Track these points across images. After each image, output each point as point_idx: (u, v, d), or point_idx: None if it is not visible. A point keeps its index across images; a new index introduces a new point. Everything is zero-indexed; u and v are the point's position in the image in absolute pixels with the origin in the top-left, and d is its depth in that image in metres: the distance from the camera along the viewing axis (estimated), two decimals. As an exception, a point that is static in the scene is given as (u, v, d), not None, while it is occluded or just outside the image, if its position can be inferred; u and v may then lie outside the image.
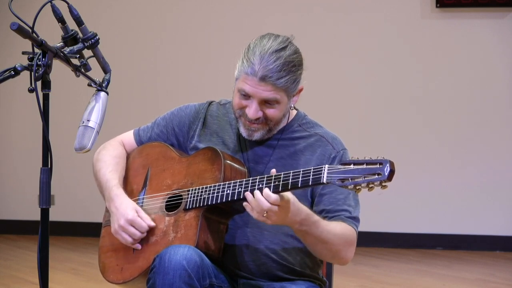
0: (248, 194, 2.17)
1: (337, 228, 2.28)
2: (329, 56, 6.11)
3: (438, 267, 5.39)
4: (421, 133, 6.05)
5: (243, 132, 2.39)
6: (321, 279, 2.48)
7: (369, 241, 6.04)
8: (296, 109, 2.51)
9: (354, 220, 2.36)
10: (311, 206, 2.36)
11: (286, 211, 2.15)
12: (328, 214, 2.34)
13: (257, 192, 2.15)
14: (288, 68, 2.29)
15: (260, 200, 2.13)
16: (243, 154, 2.44)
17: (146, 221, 2.37)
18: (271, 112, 2.34)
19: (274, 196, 2.12)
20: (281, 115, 2.38)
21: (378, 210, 6.01)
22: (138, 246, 2.39)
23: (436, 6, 5.92)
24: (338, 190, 2.35)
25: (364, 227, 6.60)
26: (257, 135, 2.38)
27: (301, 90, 2.40)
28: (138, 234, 2.36)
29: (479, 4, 5.85)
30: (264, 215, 2.14)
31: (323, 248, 2.28)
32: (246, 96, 2.33)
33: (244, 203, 2.18)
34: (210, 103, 2.56)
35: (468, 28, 5.94)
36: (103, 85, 2.20)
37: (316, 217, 2.24)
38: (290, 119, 2.48)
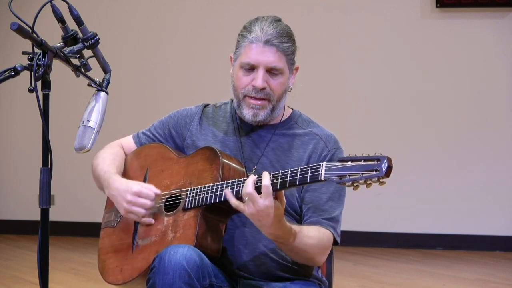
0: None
1: (314, 237, 2.29)
2: (329, 56, 6.11)
3: (438, 267, 5.39)
4: (421, 133, 6.05)
5: (248, 114, 2.40)
6: (320, 279, 2.48)
7: (369, 241, 6.04)
8: (292, 108, 2.54)
9: (331, 221, 2.36)
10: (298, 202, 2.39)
11: (266, 212, 2.14)
12: (307, 212, 2.36)
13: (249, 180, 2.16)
14: (287, 36, 2.39)
15: (248, 184, 2.14)
16: (239, 151, 2.45)
17: (152, 189, 2.37)
18: (275, 84, 2.38)
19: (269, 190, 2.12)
20: (283, 89, 2.41)
21: (378, 210, 6.01)
22: (151, 220, 2.38)
23: (436, 6, 5.92)
24: (323, 189, 2.37)
25: (364, 227, 6.66)
26: (262, 115, 2.39)
27: (297, 69, 2.46)
28: (148, 203, 2.35)
29: (479, 4, 5.85)
30: (245, 199, 2.14)
31: (297, 255, 2.31)
32: (251, 69, 2.37)
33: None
34: (205, 106, 2.59)
35: (468, 28, 5.95)
36: (103, 85, 2.20)
37: (295, 230, 2.24)
38: (286, 117, 2.49)
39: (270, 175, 2.15)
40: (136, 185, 2.38)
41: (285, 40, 2.37)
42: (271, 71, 2.37)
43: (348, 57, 6.12)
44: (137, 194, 2.36)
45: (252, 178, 2.15)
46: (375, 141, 6.02)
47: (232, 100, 2.53)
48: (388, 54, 6.07)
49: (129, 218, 2.42)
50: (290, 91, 2.46)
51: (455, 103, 5.99)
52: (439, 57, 6.01)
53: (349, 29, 6.10)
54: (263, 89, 2.37)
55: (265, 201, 2.12)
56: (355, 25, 6.09)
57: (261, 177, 2.15)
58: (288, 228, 2.21)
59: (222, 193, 2.26)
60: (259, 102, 2.39)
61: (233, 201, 2.19)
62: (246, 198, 2.15)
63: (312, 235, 2.29)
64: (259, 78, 2.36)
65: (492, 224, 5.96)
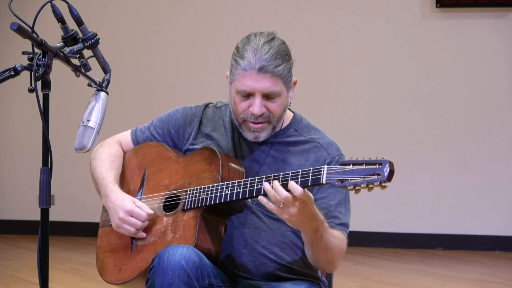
0: (265, 184, 2.15)
1: (337, 237, 2.30)
2: (329, 56, 6.11)
3: (438, 267, 5.39)
4: (421, 133, 6.05)
5: (249, 137, 2.38)
6: (320, 279, 2.48)
7: (369, 241, 6.04)
8: (293, 112, 2.52)
9: (343, 226, 2.36)
10: None
11: (305, 206, 2.12)
12: None
13: (276, 182, 2.13)
14: (281, 57, 2.32)
15: (278, 189, 2.11)
16: (237, 157, 2.44)
17: (144, 209, 2.37)
18: (273, 107, 2.35)
19: (299, 190, 2.09)
20: (282, 109, 2.38)
21: (378, 210, 6.01)
22: (143, 235, 2.38)
23: (436, 6, 5.92)
24: (331, 196, 2.36)
25: (364, 227, 6.65)
26: (263, 136, 2.38)
27: (295, 83, 2.42)
28: (139, 223, 2.36)
29: (479, 4, 5.85)
30: (281, 206, 2.12)
31: (324, 254, 2.29)
32: (247, 96, 2.34)
33: (260, 197, 2.16)
34: (206, 106, 2.57)
35: (468, 28, 5.94)
36: (103, 85, 2.20)
37: (325, 223, 2.24)
38: (287, 123, 2.47)
39: (271, 178, 2.16)
40: (130, 204, 2.37)
41: (279, 62, 2.30)
42: (268, 96, 2.34)
43: (348, 57, 6.12)
44: (129, 213, 2.36)
45: (277, 183, 2.12)
46: (375, 141, 6.02)
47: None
48: (388, 54, 6.07)
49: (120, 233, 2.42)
50: (290, 105, 2.44)
51: (455, 103, 5.99)
52: (439, 57, 6.01)
53: (349, 29, 6.10)
54: (261, 115, 2.35)
55: (297, 193, 2.09)
56: (355, 26, 6.08)
57: (254, 184, 2.18)
58: (322, 218, 2.20)
59: (222, 194, 2.26)
60: (260, 126, 2.36)
61: (271, 206, 2.14)
62: (282, 203, 2.11)
63: (336, 234, 2.30)
64: (256, 106, 2.32)
65: (492, 224, 5.96)
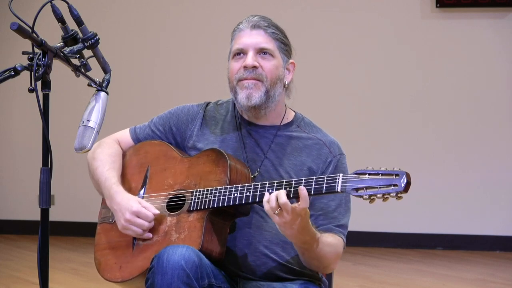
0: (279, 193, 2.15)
1: (331, 244, 2.31)
2: (329, 56, 6.11)
3: (438, 267, 5.39)
4: (421, 133, 6.05)
5: (242, 98, 2.39)
6: (320, 279, 2.48)
7: (369, 241, 6.04)
8: (294, 111, 2.53)
9: (341, 228, 2.38)
10: None
11: (298, 220, 2.14)
12: (317, 220, 2.35)
13: (282, 191, 2.14)
14: (275, 26, 2.43)
15: (280, 194, 2.12)
16: (241, 152, 2.44)
17: (151, 209, 2.36)
18: (266, 64, 2.39)
19: (306, 203, 2.12)
20: (276, 74, 2.40)
21: (378, 210, 6.00)
22: (149, 235, 2.37)
23: (436, 6, 5.93)
24: (331, 196, 2.36)
25: (364, 227, 6.65)
26: (256, 96, 2.38)
27: (293, 65, 2.46)
28: (146, 224, 2.35)
29: (479, 4, 5.86)
30: (276, 212, 2.13)
31: (317, 262, 2.32)
32: (241, 54, 2.40)
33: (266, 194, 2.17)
34: (207, 104, 2.57)
35: (468, 28, 5.95)
36: (103, 85, 2.20)
37: (317, 235, 2.25)
38: (289, 119, 2.49)
39: (282, 183, 2.16)
40: (136, 204, 2.36)
41: (273, 29, 2.41)
42: (261, 53, 2.39)
43: (347, 57, 6.12)
44: (135, 214, 2.35)
45: (283, 192, 2.13)
46: (374, 141, 6.02)
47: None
48: (388, 54, 6.07)
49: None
50: (286, 86, 2.45)
51: (455, 103, 5.99)
52: (439, 57, 6.01)
53: (349, 30, 6.10)
54: (254, 68, 2.37)
55: (302, 204, 2.11)
56: (355, 26, 6.09)
57: (264, 188, 2.18)
58: (313, 232, 2.22)
59: (230, 197, 2.26)
60: (252, 81, 2.38)
61: (267, 207, 2.16)
62: (279, 209, 2.13)
63: (329, 242, 2.31)
64: (248, 58, 2.38)
65: (492, 224, 5.96)
